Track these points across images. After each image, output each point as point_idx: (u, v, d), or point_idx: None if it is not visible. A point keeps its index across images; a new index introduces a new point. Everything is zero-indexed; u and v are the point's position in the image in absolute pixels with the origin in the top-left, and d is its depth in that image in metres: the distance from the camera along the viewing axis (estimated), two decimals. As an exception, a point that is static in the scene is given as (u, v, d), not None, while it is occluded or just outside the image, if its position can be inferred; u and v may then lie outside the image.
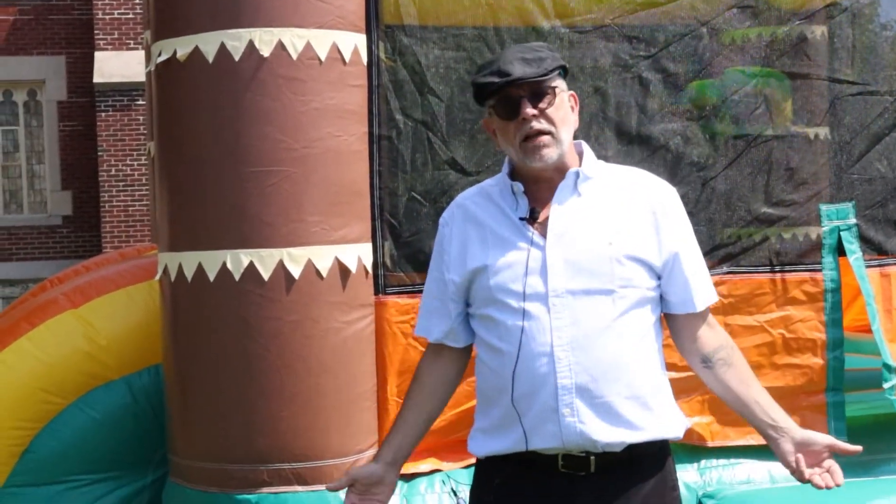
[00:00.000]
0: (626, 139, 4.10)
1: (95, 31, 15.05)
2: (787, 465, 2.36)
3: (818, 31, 4.33)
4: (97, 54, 14.95)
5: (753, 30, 4.26)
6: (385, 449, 2.50)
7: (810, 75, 4.31)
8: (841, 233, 4.27)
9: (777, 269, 4.24)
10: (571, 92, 2.40)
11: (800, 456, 2.35)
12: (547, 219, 2.34)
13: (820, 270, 4.26)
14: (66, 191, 15.75)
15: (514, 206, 2.37)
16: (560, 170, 2.36)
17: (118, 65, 14.88)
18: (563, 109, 2.35)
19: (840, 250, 4.29)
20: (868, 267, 4.31)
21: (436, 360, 2.53)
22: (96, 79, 14.78)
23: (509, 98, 2.31)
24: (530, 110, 2.29)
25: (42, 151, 15.91)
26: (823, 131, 4.42)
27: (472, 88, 2.40)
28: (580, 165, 2.39)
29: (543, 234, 2.33)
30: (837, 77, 4.33)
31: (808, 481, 2.31)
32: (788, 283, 4.23)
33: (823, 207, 4.27)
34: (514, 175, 2.41)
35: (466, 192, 2.50)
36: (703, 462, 4.17)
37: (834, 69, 4.34)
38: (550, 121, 2.31)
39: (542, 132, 2.30)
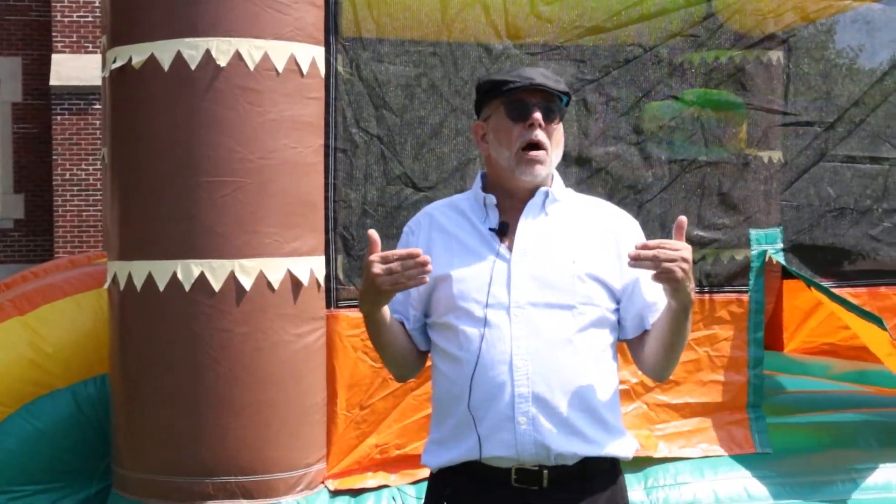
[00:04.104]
0: (566, 161, 4.16)
1: (53, 34, 14.87)
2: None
3: (765, 57, 4.43)
4: (54, 56, 14.77)
5: (695, 55, 4.35)
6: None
7: (750, 104, 4.43)
8: (772, 255, 4.38)
9: (706, 289, 4.33)
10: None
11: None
12: (514, 233, 2.37)
13: (747, 292, 4.35)
14: (18, 194, 15.53)
15: (484, 218, 2.41)
16: (535, 187, 2.41)
17: (75, 68, 14.71)
18: (559, 134, 2.42)
19: (786, 273, 4.39)
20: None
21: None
22: (53, 81, 14.59)
23: (523, 102, 2.36)
24: (539, 117, 2.34)
25: (-5, 153, 15.71)
26: (777, 155, 4.51)
27: (479, 86, 2.43)
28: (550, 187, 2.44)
29: (510, 248, 2.37)
30: (772, 107, 4.44)
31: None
32: (716, 303, 4.32)
33: (753, 232, 4.38)
34: (486, 188, 2.44)
35: (435, 202, 2.54)
36: (650, 481, 4.19)
37: (769, 99, 4.45)
38: (550, 138, 2.37)
39: (541, 145, 2.35)
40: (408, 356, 2.47)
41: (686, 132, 4.35)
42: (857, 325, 4.41)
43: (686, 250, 2.20)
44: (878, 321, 4.25)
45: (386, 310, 2.35)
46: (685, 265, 2.19)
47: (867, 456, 4.39)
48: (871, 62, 4.68)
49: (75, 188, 14.68)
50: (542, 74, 2.37)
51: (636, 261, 2.18)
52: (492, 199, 2.40)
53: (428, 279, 2.29)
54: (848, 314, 4.40)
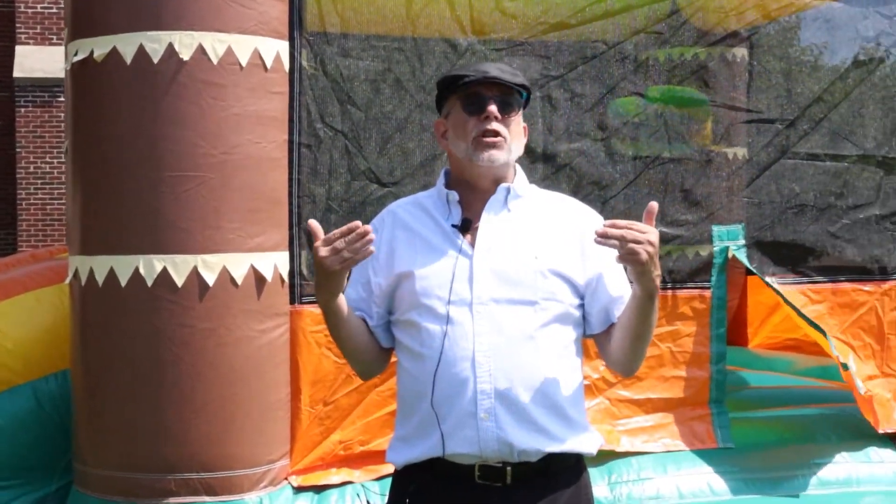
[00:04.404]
0: (531, 157, 4.18)
1: (17, 25, 14.71)
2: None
3: (729, 54, 4.46)
4: (18, 48, 14.61)
5: (661, 52, 4.38)
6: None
7: (713, 101, 4.47)
8: (734, 252, 4.42)
9: (669, 285, 4.37)
10: (524, 124, 2.48)
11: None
12: (477, 229, 2.38)
13: (709, 288, 4.38)
14: (-19, 187, 15.37)
15: (447, 215, 2.41)
16: (497, 182, 2.41)
17: (40, 59, 14.55)
18: (518, 126, 2.44)
19: (748, 270, 4.43)
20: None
21: None
22: (16, 73, 14.43)
23: (479, 95, 2.38)
24: (495, 109, 2.36)
25: (-43, 146, 15.50)
26: (741, 151, 4.55)
27: (438, 83, 2.46)
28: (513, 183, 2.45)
29: (472, 244, 2.37)
30: (735, 104, 4.49)
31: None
32: (679, 299, 4.36)
33: (715, 228, 4.41)
34: (449, 186, 2.45)
35: (399, 200, 2.54)
36: (613, 477, 4.21)
37: (732, 96, 4.49)
38: (507, 129, 2.38)
39: (498, 133, 2.36)
40: (370, 353, 2.47)
41: (650, 128, 4.38)
42: (808, 327, 4.48)
43: (653, 234, 2.21)
44: (821, 332, 4.32)
45: (343, 301, 2.35)
46: (650, 248, 2.19)
47: (828, 450, 4.43)
48: (832, 60, 4.73)
49: (39, 181, 14.54)
50: (497, 68, 2.39)
51: (603, 238, 2.19)
52: (454, 195, 2.41)
53: (390, 278, 2.30)
54: (798, 317, 4.47)
